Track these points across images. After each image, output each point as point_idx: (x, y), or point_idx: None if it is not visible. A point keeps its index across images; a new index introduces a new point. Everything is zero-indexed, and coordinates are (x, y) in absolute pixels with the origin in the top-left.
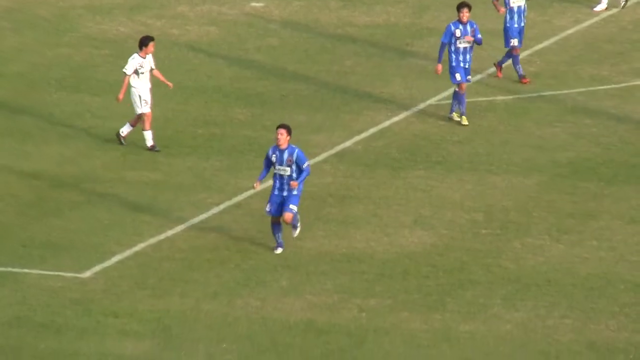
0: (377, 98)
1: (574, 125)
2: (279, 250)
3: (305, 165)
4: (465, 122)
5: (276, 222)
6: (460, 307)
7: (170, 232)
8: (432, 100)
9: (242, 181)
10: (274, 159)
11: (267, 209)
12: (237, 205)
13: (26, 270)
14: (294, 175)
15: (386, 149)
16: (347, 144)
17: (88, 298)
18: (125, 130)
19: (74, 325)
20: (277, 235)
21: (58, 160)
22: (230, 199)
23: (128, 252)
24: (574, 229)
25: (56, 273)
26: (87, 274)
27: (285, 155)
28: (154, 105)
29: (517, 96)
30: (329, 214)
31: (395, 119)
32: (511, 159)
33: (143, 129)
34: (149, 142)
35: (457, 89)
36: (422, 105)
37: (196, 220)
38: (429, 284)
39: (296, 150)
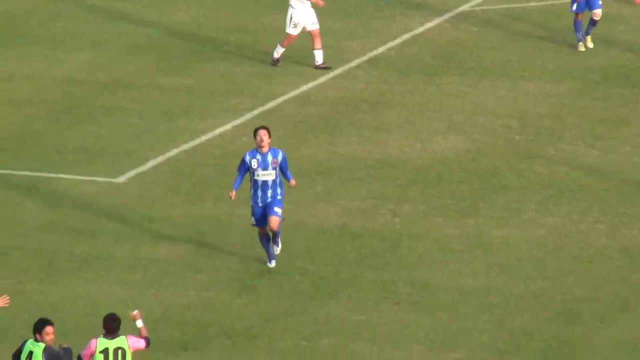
0: (410, 4)
1: (608, 32)
2: (273, 264)
3: (289, 172)
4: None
5: (264, 235)
6: (494, 213)
7: (203, 138)
8: (465, 7)
9: (274, 87)
10: (254, 164)
11: (253, 222)
12: (270, 111)
13: (61, 176)
14: (279, 180)
15: (419, 55)
16: (380, 50)
17: (122, 203)
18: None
19: (108, 230)
20: (266, 247)
21: (90, 67)
22: (263, 104)
23: (162, 158)
24: (607, 135)
25: (90, 178)
26: (121, 179)
27: (270, 158)
28: (187, 12)
29: (551, 2)
30: (362, 120)
31: (429, 25)
32: (544, 65)
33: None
34: (318, 61)
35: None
36: (455, 12)
37: (229, 126)
38: (463, 189)
39: (281, 152)
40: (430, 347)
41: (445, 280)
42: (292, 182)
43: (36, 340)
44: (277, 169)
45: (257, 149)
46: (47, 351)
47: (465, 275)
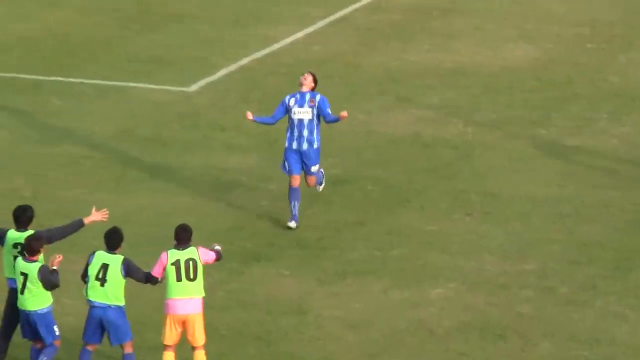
0: None
1: None
2: (293, 224)
3: (329, 111)
4: None
5: (294, 186)
6: (566, 122)
7: (275, 46)
8: None
9: None
10: (292, 102)
11: (285, 168)
12: (342, 19)
13: (131, 84)
14: (316, 121)
15: None
16: None
17: (194, 111)
18: None
19: (180, 139)
20: (293, 203)
21: None
22: (334, 12)
23: (233, 66)
24: None
25: (161, 87)
26: (193, 87)
27: (307, 97)
28: None
29: None
30: (433, 27)
31: None
32: None
33: None
34: None
35: None
36: None
37: (301, 34)
38: (535, 98)
39: (320, 95)
40: (502, 257)
41: (517, 190)
42: (342, 114)
43: (111, 252)
44: (315, 110)
45: (299, 89)
46: (125, 263)
47: (536, 185)
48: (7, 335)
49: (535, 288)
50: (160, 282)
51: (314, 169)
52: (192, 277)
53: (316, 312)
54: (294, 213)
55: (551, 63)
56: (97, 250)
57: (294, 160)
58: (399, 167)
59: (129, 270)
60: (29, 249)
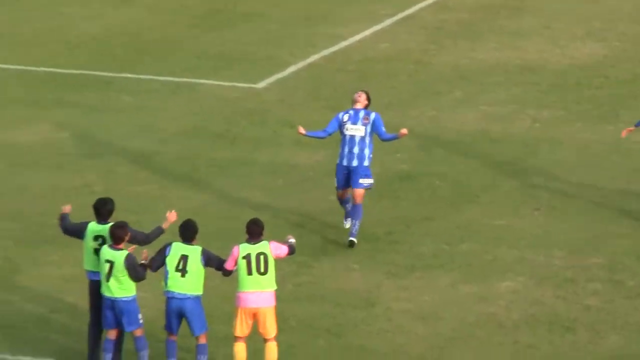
0: None
1: None
2: (347, 224)
3: (384, 129)
4: None
5: (343, 198)
6: (633, 118)
7: (343, 44)
8: None
9: None
10: (345, 118)
11: (335, 184)
12: (409, 17)
13: (202, 81)
14: (368, 139)
15: None
16: None
17: (263, 108)
18: None
19: (249, 135)
20: (345, 206)
21: None
22: (402, 10)
23: (302, 64)
24: None
25: (231, 84)
26: (262, 84)
27: (362, 114)
28: None
29: None
30: (501, 26)
31: None
32: None
33: None
34: None
35: None
36: None
37: (369, 32)
38: (602, 95)
39: (375, 113)
40: (570, 251)
41: (585, 185)
42: (403, 131)
43: (187, 243)
44: (368, 127)
45: (352, 105)
46: (204, 253)
47: (604, 180)
48: (99, 324)
49: (603, 281)
50: (231, 274)
51: (362, 181)
52: (262, 270)
53: (385, 304)
54: (347, 211)
55: (618, 60)
56: (173, 242)
57: (342, 176)
58: (467, 163)
59: (208, 259)
60: (114, 237)
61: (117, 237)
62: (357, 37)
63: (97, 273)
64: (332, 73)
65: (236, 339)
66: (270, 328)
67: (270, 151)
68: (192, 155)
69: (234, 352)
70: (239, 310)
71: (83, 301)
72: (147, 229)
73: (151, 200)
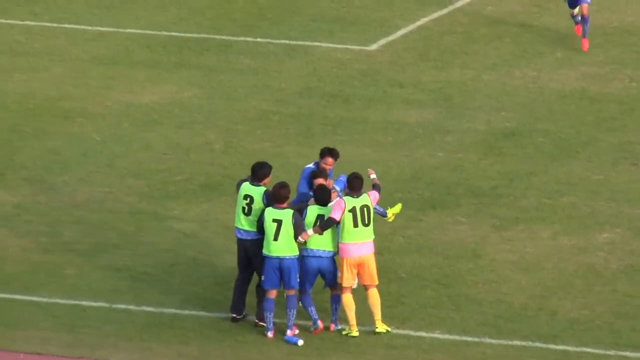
0: None
1: None
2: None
3: None
4: None
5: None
6: None
7: (451, 7)
8: None
9: None
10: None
11: None
12: None
13: (316, 44)
14: None
15: None
16: None
17: (374, 69)
18: None
19: (361, 95)
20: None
21: None
22: None
23: (411, 26)
24: None
25: (344, 46)
26: (374, 46)
27: None
28: None
29: None
30: None
31: None
32: None
33: None
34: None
35: None
36: None
37: None
38: None
39: None
40: None
41: None
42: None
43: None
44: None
45: None
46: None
47: None
48: (246, 284)
49: None
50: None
51: None
52: (366, 222)
53: (490, 256)
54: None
55: None
56: (309, 205)
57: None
58: (568, 121)
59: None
60: (279, 197)
61: (281, 197)
62: (464, 1)
63: (244, 232)
64: (440, 35)
65: (344, 289)
66: (374, 275)
67: (381, 110)
68: (307, 114)
69: (347, 302)
70: (345, 261)
71: (202, 255)
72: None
73: (268, 158)
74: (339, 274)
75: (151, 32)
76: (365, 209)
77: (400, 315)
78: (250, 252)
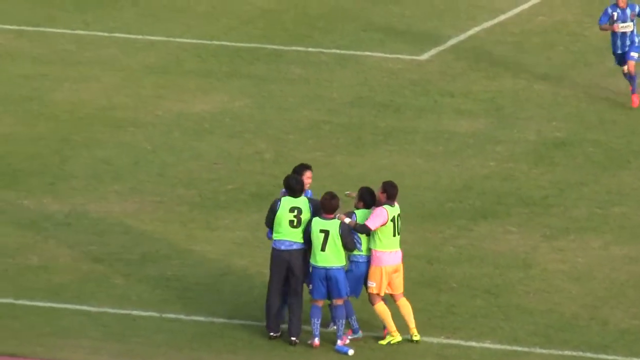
0: None
1: None
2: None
3: None
4: None
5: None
6: None
7: (502, 17)
8: None
9: None
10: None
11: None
12: None
13: (367, 53)
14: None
15: None
16: None
17: (425, 79)
18: None
19: (412, 105)
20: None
21: None
22: None
23: (462, 36)
24: None
25: (395, 56)
26: (424, 56)
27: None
28: None
29: None
30: None
31: None
32: None
33: None
34: None
35: None
36: None
37: (527, 5)
38: None
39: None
40: None
41: None
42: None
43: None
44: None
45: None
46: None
47: None
48: (281, 294)
49: None
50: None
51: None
52: (399, 231)
53: (541, 266)
54: None
55: None
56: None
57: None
58: (619, 130)
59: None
60: (328, 207)
61: (332, 207)
62: (515, 10)
63: (290, 242)
64: (491, 45)
65: (377, 297)
66: (402, 283)
67: (432, 119)
68: (358, 123)
69: (382, 310)
70: (381, 270)
71: (253, 264)
72: (315, 194)
73: (318, 167)
74: (372, 284)
75: (202, 41)
76: (399, 218)
77: (451, 325)
78: (293, 263)
